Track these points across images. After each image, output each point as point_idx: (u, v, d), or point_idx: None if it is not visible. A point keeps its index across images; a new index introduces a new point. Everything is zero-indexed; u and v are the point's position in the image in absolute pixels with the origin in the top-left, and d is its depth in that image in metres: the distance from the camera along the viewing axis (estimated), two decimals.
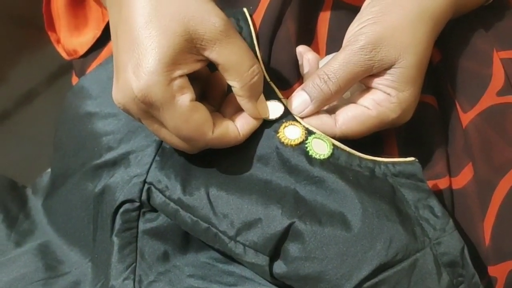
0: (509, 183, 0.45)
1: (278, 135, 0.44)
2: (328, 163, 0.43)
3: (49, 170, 0.56)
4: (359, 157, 0.44)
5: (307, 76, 0.48)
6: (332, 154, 0.44)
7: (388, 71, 0.44)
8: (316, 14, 0.52)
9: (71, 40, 0.60)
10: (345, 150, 0.44)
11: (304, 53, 0.49)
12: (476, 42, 0.50)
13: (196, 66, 0.40)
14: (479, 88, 0.48)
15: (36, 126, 1.06)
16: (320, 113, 0.45)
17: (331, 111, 0.46)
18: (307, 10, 0.51)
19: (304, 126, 0.44)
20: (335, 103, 0.47)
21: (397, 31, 0.44)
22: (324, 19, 0.52)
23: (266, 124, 0.45)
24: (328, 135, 0.45)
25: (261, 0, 0.50)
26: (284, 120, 0.45)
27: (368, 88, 0.46)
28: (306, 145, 0.44)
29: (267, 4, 0.50)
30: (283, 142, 0.44)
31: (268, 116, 0.44)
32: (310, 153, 0.43)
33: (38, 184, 0.57)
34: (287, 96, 0.46)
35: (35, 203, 0.55)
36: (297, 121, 0.45)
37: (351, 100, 0.46)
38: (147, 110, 0.39)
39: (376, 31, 0.43)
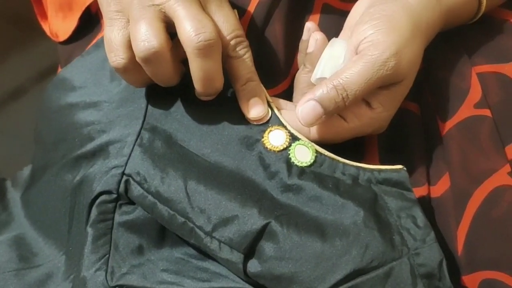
0: (483, 194, 0.46)
1: (262, 139, 0.44)
2: (309, 172, 0.44)
3: (31, 165, 0.56)
4: (343, 164, 0.44)
5: (309, 57, 0.48)
6: (314, 161, 0.44)
7: (388, 87, 0.44)
8: (304, 17, 0.52)
9: (56, 21, 0.60)
10: (329, 157, 0.44)
11: (312, 30, 0.48)
12: (455, 55, 0.50)
13: None
14: (457, 100, 0.48)
15: (22, 123, 1.05)
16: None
17: None
18: (295, 13, 0.51)
19: (289, 132, 0.45)
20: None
21: (408, 43, 0.44)
22: (313, 22, 0.52)
23: (252, 126, 0.45)
24: None
25: (251, 1, 0.51)
26: (270, 125, 0.45)
27: None
28: (289, 152, 0.44)
29: (256, 4, 0.50)
30: (266, 147, 0.44)
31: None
32: (292, 160, 0.44)
33: (18, 177, 0.57)
34: (272, 94, 0.46)
35: (14, 196, 0.55)
36: (282, 125, 0.45)
37: None
38: None
39: (395, 41, 0.43)
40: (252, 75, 0.45)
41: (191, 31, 0.40)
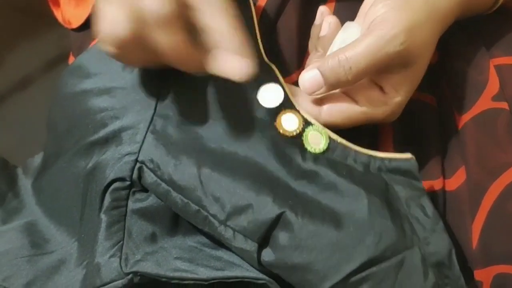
0: (500, 188, 0.45)
1: (275, 123, 0.44)
2: (322, 158, 0.43)
3: (42, 152, 0.56)
4: (355, 151, 0.44)
5: (322, 41, 0.47)
6: (328, 148, 0.44)
7: (400, 70, 0.43)
8: (318, 7, 0.52)
9: (69, 8, 0.60)
10: (341, 144, 0.44)
11: (326, 14, 0.47)
12: (472, 47, 0.50)
13: None
14: (475, 92, 0.48)
15: (30, 112, 1.05)
16: (308, 99, 0.45)
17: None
18: (309, 3, 0.51)
19: (302, 116, 0.44)
20: None
21: (421, 25, 0.42)
22: (326, 7, 0.52)
23: (265, 110, 0.44)
24: None
25: None
26: (283, 108, 0.44)
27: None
28: (302, 138, 0.44)
29: None
30: (279, 132, 0.44)
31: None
32: (306, 146, 0.43)
33: (29, 164, 0.57)
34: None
35: (25, 183, 0.54)
36: (295, 109, 0.45)
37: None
38: None
39: (408, 19, 0.41)
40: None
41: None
